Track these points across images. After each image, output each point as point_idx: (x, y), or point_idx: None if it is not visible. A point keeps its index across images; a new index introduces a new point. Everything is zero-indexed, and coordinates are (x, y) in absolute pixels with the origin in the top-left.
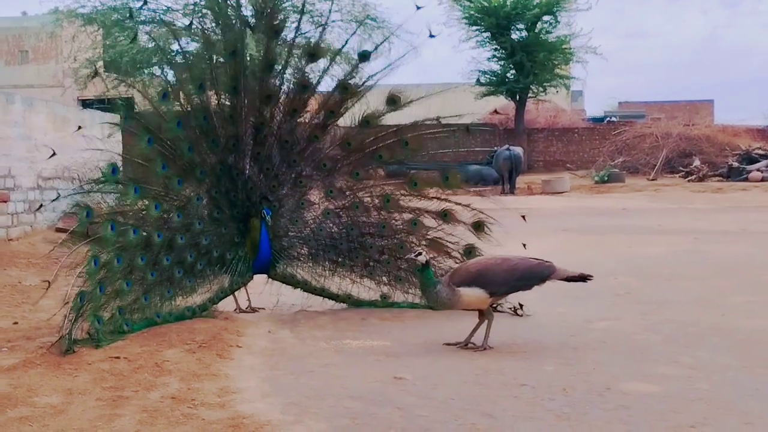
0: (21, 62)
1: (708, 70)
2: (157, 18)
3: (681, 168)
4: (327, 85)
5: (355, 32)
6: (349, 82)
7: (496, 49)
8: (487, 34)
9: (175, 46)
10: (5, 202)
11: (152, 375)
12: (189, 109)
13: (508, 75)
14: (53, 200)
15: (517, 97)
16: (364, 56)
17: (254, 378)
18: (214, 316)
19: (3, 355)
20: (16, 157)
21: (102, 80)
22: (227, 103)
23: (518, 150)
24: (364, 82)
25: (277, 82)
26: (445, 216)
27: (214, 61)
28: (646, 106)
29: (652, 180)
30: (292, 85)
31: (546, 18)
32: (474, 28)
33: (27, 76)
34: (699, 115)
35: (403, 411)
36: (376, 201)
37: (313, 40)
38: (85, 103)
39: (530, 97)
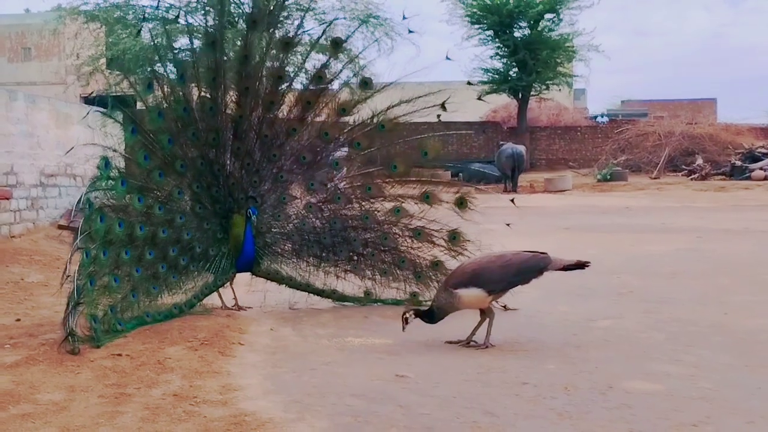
0: (24, 59)
1: (711, 69)
2: (160, 15)
3: (684, 166)
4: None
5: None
6: (324, 72)
7: (498, 47)
8: (490, 32)
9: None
10: (8, 198)
11: (154, 372)
12: (171, 99)
13: (511, 73)
14: None
15: (520, 95)
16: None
17: (256, 375)
18: (210, 312)
19: (5, 351)
20: (19, 154)
21: (104, 77)
22: (207, 95)
23: (521, 148)
24: (338, 73)
25: (254, 74)
26: (427, 198)
27: (195, 53)
28: (649, 105)
29: (655, 178)
30: (269, 78)
31: (549, 16)
32: (477, 26)
33: (30, 73)
34: (702, 114)
35: (405, 409)
36: (358, 191)
37: (290, 32)
38: (88, 100)
39: (533, 95)
